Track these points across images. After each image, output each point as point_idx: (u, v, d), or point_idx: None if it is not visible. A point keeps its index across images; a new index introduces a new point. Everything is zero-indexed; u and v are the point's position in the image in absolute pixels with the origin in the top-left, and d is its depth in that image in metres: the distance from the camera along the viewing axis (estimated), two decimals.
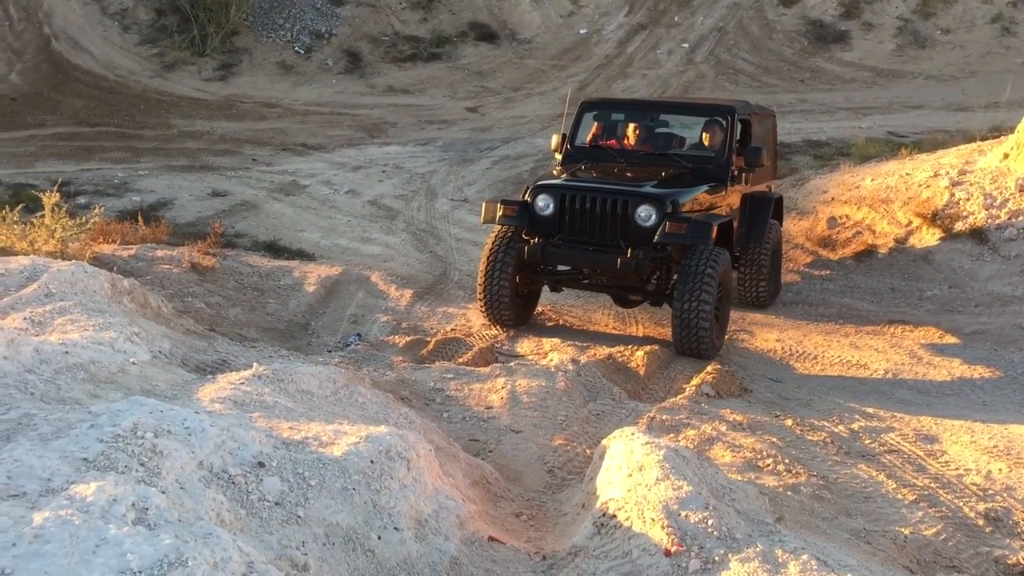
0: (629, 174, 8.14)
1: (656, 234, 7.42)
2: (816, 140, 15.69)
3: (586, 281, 8.23)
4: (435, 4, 23.79)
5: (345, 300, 8.99)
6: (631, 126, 8.79)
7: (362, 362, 6.96)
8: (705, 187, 8.02)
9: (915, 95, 19.58)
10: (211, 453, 2.98)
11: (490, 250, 7.92)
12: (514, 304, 8.02)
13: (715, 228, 7.51)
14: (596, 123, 8.90)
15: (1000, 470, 5.53)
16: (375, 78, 21.57)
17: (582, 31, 23.64)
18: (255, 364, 4.66)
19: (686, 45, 22.67)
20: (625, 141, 8.76)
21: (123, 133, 16.72)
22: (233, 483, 2.96)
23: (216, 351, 5.84)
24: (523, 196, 7.95)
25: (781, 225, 9.86)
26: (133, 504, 2.55)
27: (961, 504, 5.05)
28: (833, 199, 11.52)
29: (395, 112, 19.07)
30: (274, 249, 10.51)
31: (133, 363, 4.32)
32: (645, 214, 7.46)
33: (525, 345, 7.81)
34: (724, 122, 8.43)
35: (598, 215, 7.56)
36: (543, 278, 8.23)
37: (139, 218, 10.12)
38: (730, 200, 8.47)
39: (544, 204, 7.73)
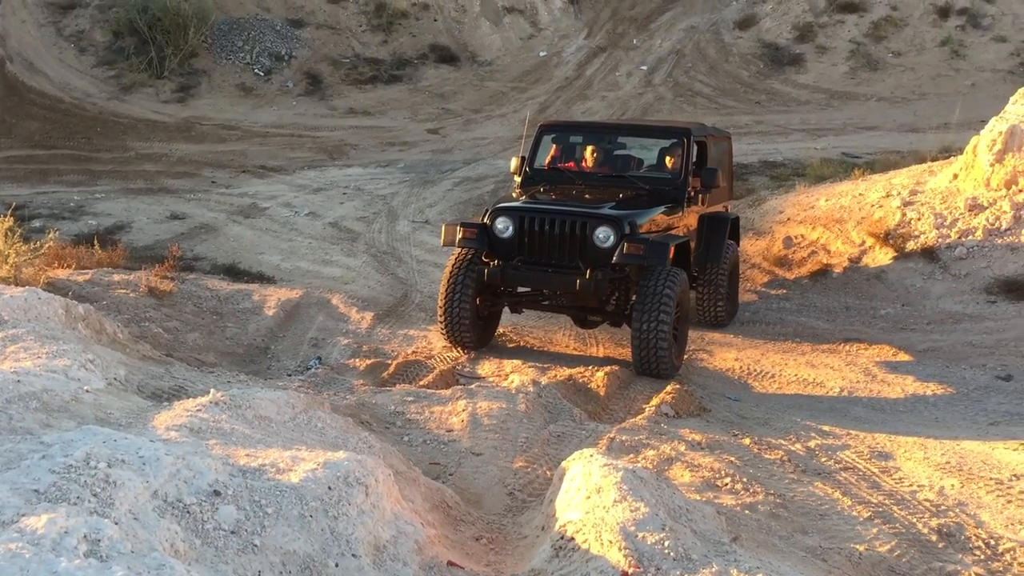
0: (587, 196, 8.25)
1: (614, 255, 7.49)
2: (772, 161, 15.93)
3: (546, 302, 8.30)
4: (395, 26, 23.87)
5: (305, 323, 8.94)
6: (589, 148, 8.90)
7: (322, 386, 6.92)
8: (662, 208, 8.13)
9: (868, 116, 19.98)
10: (166, 482, 2.96)
11: (450, 273, 7.98)
12: (475, 326, 8.06)
13: (672, 248, 7.60)
14: (555, 145, 9.00)
15: (952, 486, 5.62)
16: (336, 100, 21.56)
17: (542, 53, 23.84)
18: (212, 390, 4.62)
19: (644, 67, 22.95)
20: (583, 163, 8.87)
21: (79, 156, 16.53)
22: (188, 512, 2.93)
23: (173, 377, 5.78)
24: (482, 219, 8.00)
25: (738, 245, 10.00)
26: (85, 536, 2.52)
27: (915, 520, 5.12)
28: (789, 219, 11.70)
29: (356, 134, 19.06)
30: (233, 272, 10.43)
31: (87, 391, 4.27)
32: (603, 235, 7.53)
33: (486, 367, 7.82)
34: (680, 144, 8.55)
35: (557, 237, 7.64)
36: (503, 300, 8.29)
37: (95, 242, 10.00)
38: (687, 221, 8.59)
39: (503, 226, 7.79)
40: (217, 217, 12.76)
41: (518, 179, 8.75)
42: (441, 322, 8.04)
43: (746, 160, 15.62)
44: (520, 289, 8.22)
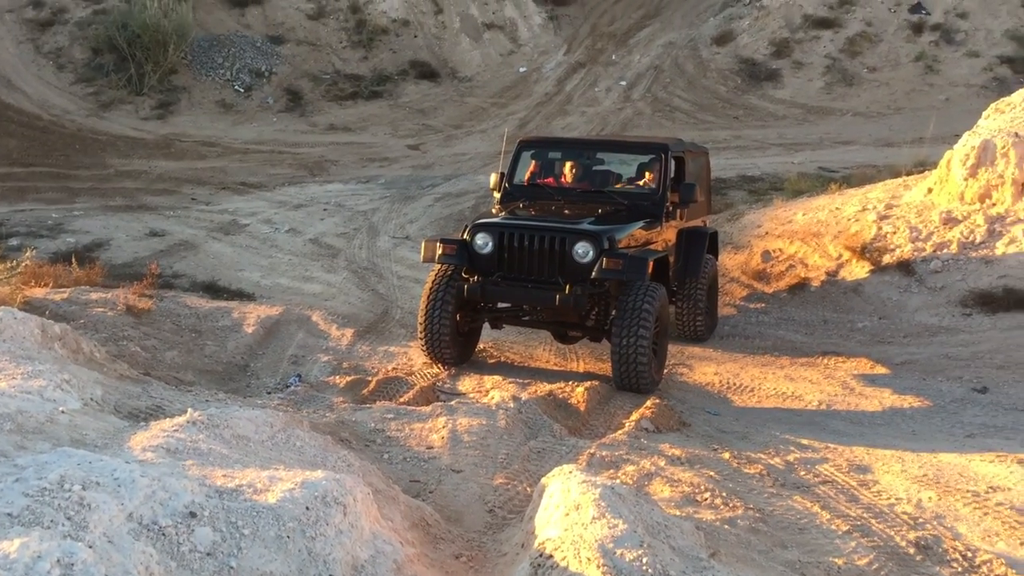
0: (566, 211, 8.29)
1: (593, 270, 7.52)
2: (750, 175, 16.05)
3: (526, 318, 8.31)
4: (376, 43, 23.93)
5: (285, 340, 8.92)
6: (568, 164, 8.95)
7: (302, 404, 6.90)
8: (641, 223, 8.17)
9: (844, 131, 20.17)
10: (141, 504, 2.94)
11: (430, 289, 7.98)
12: (455, 342, 8.07)
13: (651, 263, 7.65)
14: (534, 161, 9.04)
15: (930, 498, 5.66)
16: (316, 116, 21.56)
17: (522, 69, 23.95)
18: (190, 410, 4.60)
19: (623, 83, 23.10)
20: (562, 179, 8.92)
21: (58, 173, 16.42)
22: (163, 534, 2.92)
23: (150, 396, 5.74)
24: (462, 235, 8.02)
25: (717, 259, 10.06)
26: (58, 560, 2.51)
27: (893, 533, 5.15)
28: (767, 233, 11.79)
29: (336, 150, 19.06)
30: (213, 289, 10.39)
31: (63, 412, 4.24)
32: (582, 251, 7.57)
33: (466, 383, 7.82)
34: (658, 159, 8.62)
35: (536, 252, 7.67)
36: (483, 315, 8.31)
37: (73, 260, 9.94)
38: (666, 236, 8.65)
39: (483, 242, 7.81)
40: (197, 234, 12.71)
41: (497, 195, 8.78)
42: (421, 338, 8.03)
43: (724, 175, 15.72)
44: (500, 305, 8.23)
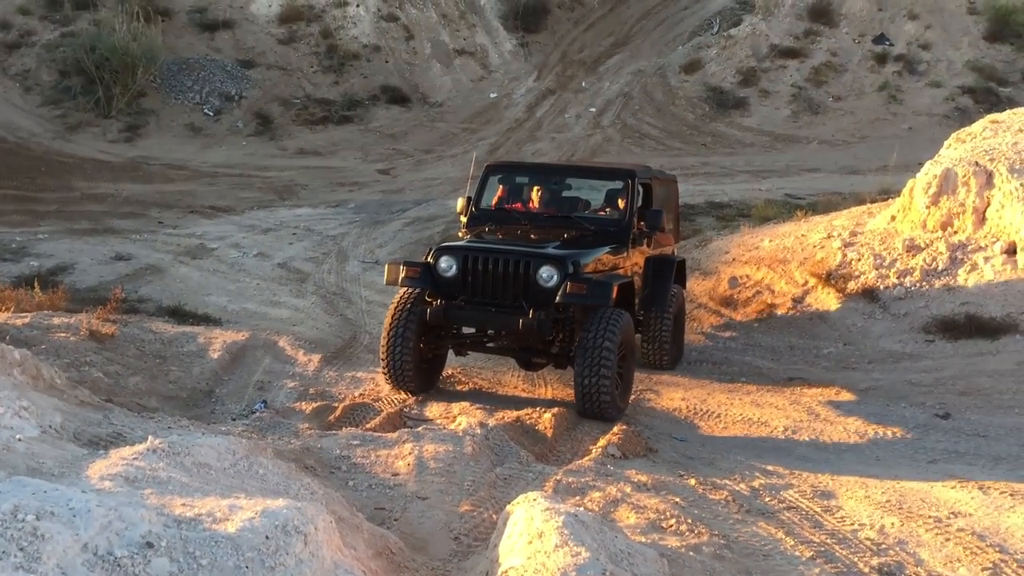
0: (532, 236, 8.26)
1: (558, 295, 7.48)
2: (718, 202, 16.23)
3: (491, 344, 8.24)
4: (347, 67, 23.99)
5: (251, 366, 8.84)
6: (535, 189, 8.93)
7: (267, 430, 6.83)
8: (607, 249, 8.15)
9: (810, 159, 20.48)
10: (96, 535, 2.89)
11: (393, 313, 7.89)
12: (419, 369, 7.97)
13: (615, 288, 7.59)
14: (501, 186, 9.03)
15: (893, 524, 5.69)
16: (286, 140, 21.54)
17: (492, 95, 24.11)
18: (150, 437, 4.53)
19: (593, 109, 23.30)
20: (530, 204, 8.90)
21: (22, 196, 16.25)
22: (119, 566, 2.87)
23: (111, 423, 5.66)
24: (426, 257, 7.95)
25: (684, 288, 10.05)
26: None
27: (856, 559, 5.18)
28: (734, 260, 11.90)
29: (306, 174, 19.03)
30: (179, 314, 10.29)
31: (19, 439, 4.17)
32: (547, 275, 7.51)
33: (434, 409, 7.79)
34: (625, 186, 8.63)
35: (500, 276, 7.60)
36: (447, 341, 8.20)
37: (36, 284, 9.82)
38: (632, 262, 8.62)
39: (447, 265, 7.75)
40: (163, 258, 12.61)
41: (464, 219, 8.75)
42: (384, 365, 7.91)
43: (693, 201, 15.87)
44: (464, 330, 8.17)
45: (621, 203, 8.61)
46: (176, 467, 4.10)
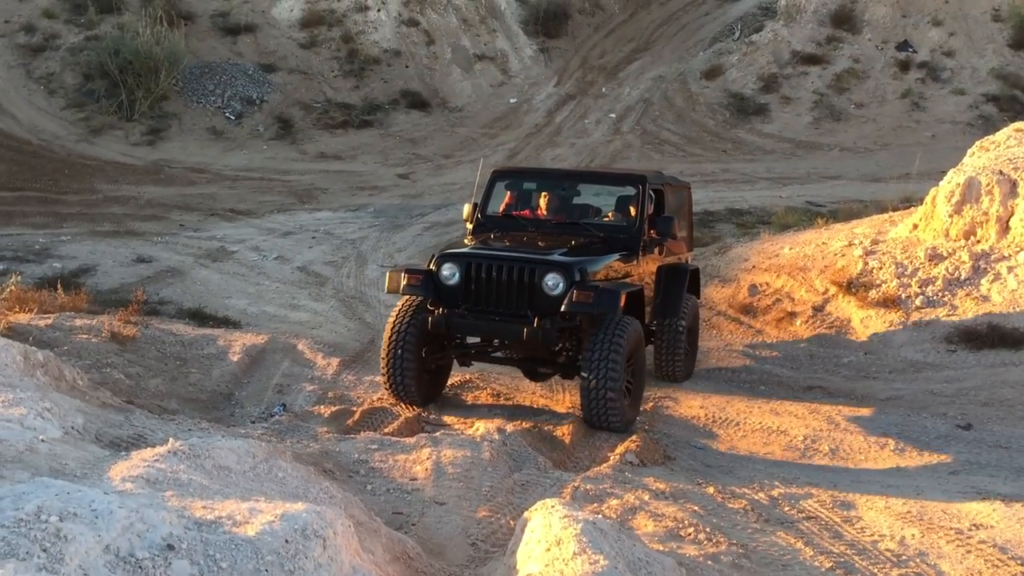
0: (538, 243, 8.06)
1: (563, 303, 7.22)
2: (738, 209, 16.16)
3: (496, 354, 8.03)
4: (367, 72, 24.08)
5: (270, 369, 8.87)
6: (543, 195, 8.70)
7: (286, 433, 6.86)
8: (616, 256, 7.93)
9: (831, 166, 20.36)
10: (118, 536, 2.91)
11: (394, 322, 7.65)
12: (420, 379, 7.70)
13: (623, 297, 7.32)
14: (509, 192, 8.79)
15: (913, 536, 5.64)
16: (306, 144, 21.63)
17: (512, 100, 24.13)
18: (171, 439, 4.56)
19: (613, 115, 23.28)
20: (538, 211, 8.69)
21: (46, 198, 16.40)
22: (140, 567, 2.89)
23: (133, 425, 5.70)
24: (428, 265, 7.74)
25: (699, 297, 9.75)
26: None
27: (876, 571, 5.14)
28: (754, 267, 11.84)
29: (326, 178, 19.11)
30: (199, 317, 10.35)
31: (42, 440, 4.20)
32: (552, 283, 7.28)
33: (451, 414, 7.79)
34: (636, 191, 8.37)
35: (505, 284, 7.37)
36: (451, 351, 7.94)
37: (59, 286, 9.90)
38: (643, 271, 8.36)
39: (450, 273, 7.51)
40: (184, 261, 12.68)
41: (470, 226, 8.54)
42: (384, 375, 7.66)
43: (712, 208, 15.83)
44: (468, 340, 7.92)
45: (632, 210, 8.35)
46: (196, 469, 4.13)
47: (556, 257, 7.53)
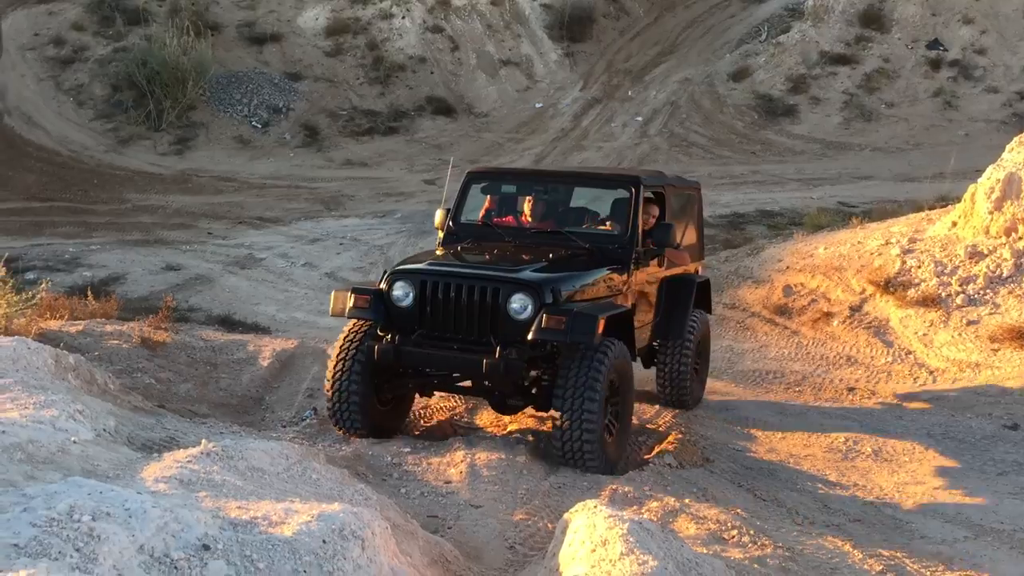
0: (510, 257, 6.83)
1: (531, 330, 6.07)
2: (769, 210, 15.97)
3: (462, 384, 6.82)
4: (392, 79, 24.09)
5: (300, 374, 8.80)
6: (527, 200, 7.56)
7: (317, 437, 6.78)
8: (603, 271, 6.78)
9: (863, 166, 20.09)
10: (152, 536, 2.83)
11: (339, 350, 6.64)
12: (372, 413, 6.67)
13: (602, 322, 6.07)
14: (489, 197, 7.71)
15: (965, 538, 5.49)
16: (333, 151, 21.66)
17: (538, 105, 24.04)
18: (204, 441, 4.49)
19: (640, 118, 23.12)
20: (523, 218, 7.53)
21: (75, 208, 16.52)
22: (175, 568, 2.80)
23: (164, 428, 5.64)
24: (379, 283, 6.59)
25: (710, 312, 8.63)
26: None
27: (927, 574, 4.98)
28: (788, 268, 11.66)
29: (353, 185, 19.11)
30: (228, 323, 10.32)
31: (74, 442, 4.14)
32: (519, 305, 6.16)
33: (485, 417, 7.68)
34: (628, 194, 7.17)
35: (464, 306, 6.24)
36: (407, 380, 6.80)
37: (89, 293, 9.91)
38: (638, 286, 7.19)
39: (402, 293, 6.40)
40: (213, 268, 12.69)
41: (441, 235, 7.47)
42: (328, 412, 6.72)
43: (743, 210, 15.66)
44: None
45: (621, 215, 7.19)
46: (230, 471, 4.04)
47: (525, 275, 6.36)
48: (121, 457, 4.27)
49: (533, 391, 6.51)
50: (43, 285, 8.52)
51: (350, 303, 6.48)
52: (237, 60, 23.88)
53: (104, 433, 4.70)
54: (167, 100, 21.55)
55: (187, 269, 12.57)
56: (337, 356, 6.63)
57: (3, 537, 2.65)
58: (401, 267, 6.62)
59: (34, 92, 21.88)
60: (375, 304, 6.44)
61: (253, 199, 17.70)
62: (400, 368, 6.56)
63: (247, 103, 22.58)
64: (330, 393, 6.62)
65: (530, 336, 6.08)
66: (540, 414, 7.27)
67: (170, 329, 9.17)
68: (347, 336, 6.68)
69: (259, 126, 22.18)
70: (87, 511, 2.82)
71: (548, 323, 6.01)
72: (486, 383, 6.46)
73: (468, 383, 6.70)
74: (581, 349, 6.14)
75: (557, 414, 6.10)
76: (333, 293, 6.84)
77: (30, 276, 11.32)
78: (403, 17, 25.29)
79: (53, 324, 8.59)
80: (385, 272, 6.67)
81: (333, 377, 6.58)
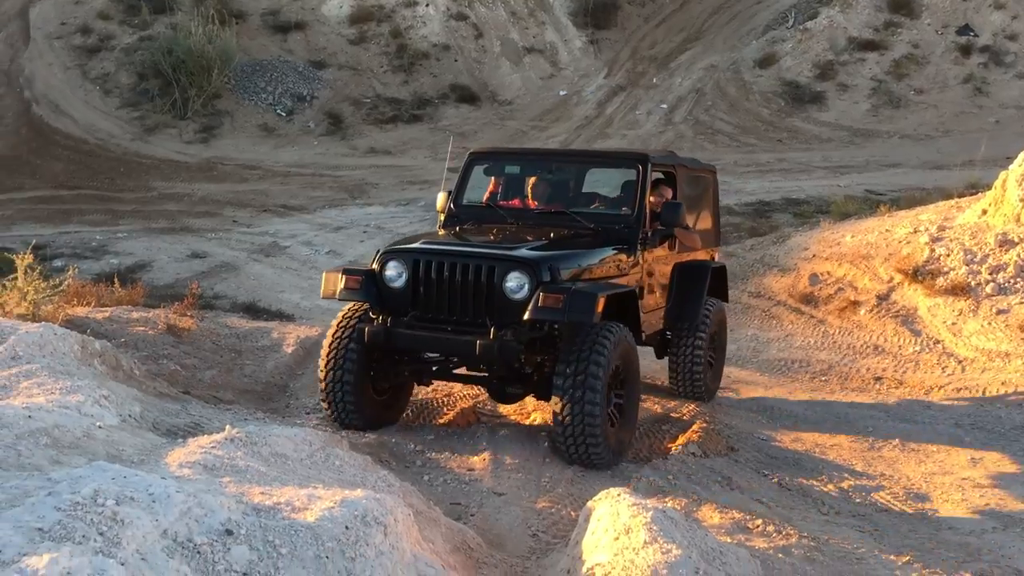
0: (509, 236, 6.66)
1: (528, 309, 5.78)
2: (795, 198, 15.82)
3: (459, 371, 6.59)
4: (416, 67, 24.07)
5: None
6: (531, 181, 7.41)
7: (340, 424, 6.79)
8: (608, 251, 6.55)
9: (891, 154, 19.85)
10: (176, 521, 2.83)
11: (332, 334, 6.40)
12: (367, 402, 6.43)
13: (602, 300, 5.77)
14: (494, 179, 7.57)
15: (993, 529, 5.42)
16: (357, 139, 21.70)
17: (562, 92, 23.94)
18: (228, 427, 4.51)
19: (664, 106, 22.97)
20: (528, 199, 7.36)
21: (102, 196, 16.66)
22: (199, 552, 2.80)
23: (189, 414, 5.67)
24: (372, 263, 6.36)
25: (726, 300, 8.32)
26: None
27: (955, 565, 4.92)
28: (814, 256, 11.54)
29: (377, 173, 19.13)
30: (253, 310, 10.37)
31: (100, 427, 4.16)
32: (515, 284, 5.88)
33: (508, 406, 7.66)
34: (634, 174, 6.94)
35: (459, 286, 5.99)
36: (403, 367, 6.52)
37: (115, 280, 9.98)
38: (646, 269, 6.97)
39: (395, 273, 6.15)
40: (238, 256, 12.75)
41: (442, 217, 7.33)
42: (322, 396, 6.47)
43: (769, 198, 15.52)
44: (428, 354, 6.46)
45: (627, 194, 7.01)
46: (254, 456, 4.05)
47: (521, 252, 6.12)
48: (146, 442, 4.29)
49: (534, 378, 6.22)
50: (70, 272, 8.59)
51: (341, 284, 6.25)
52: (261, 48, 23.96)
53: (129, 418, 4.73)
54: (192, 88, 21.67)
55: (212, 257, 12.64)
56: (329, 344, 6.37)
57: (28, 521, 2.67)
58: (394, 246, 6.42)
59: (61, 81, 22.06)
60: (367, 285, 6.19)
61: (277, 187, 17.77)
62: (392, 351, 6.27)
63: (272, 91, 22.65)
64: (323, 383, 6.36)
65: (526, 316, 5.78)
66: None
67: (195, 316, 9.22)
68: (340, 323, 6.45)
69: (283, 114, 22.25)
70: (111, 496, 2.83)
71: (545, 302, 5.72)
72: (482, 367, 6.22)
73: (464, 369, 6.47)
74: (582, 332, 5.88)
75: (557, 403, 5.81)
76: (324, 274, 6.55)
77: (58, 263, 11.43)
78: (427, 5, 25.26)
79: (80, 311, 8.66)
80: (378, 251, 6.44)
81: (326, 366, 6.33)
